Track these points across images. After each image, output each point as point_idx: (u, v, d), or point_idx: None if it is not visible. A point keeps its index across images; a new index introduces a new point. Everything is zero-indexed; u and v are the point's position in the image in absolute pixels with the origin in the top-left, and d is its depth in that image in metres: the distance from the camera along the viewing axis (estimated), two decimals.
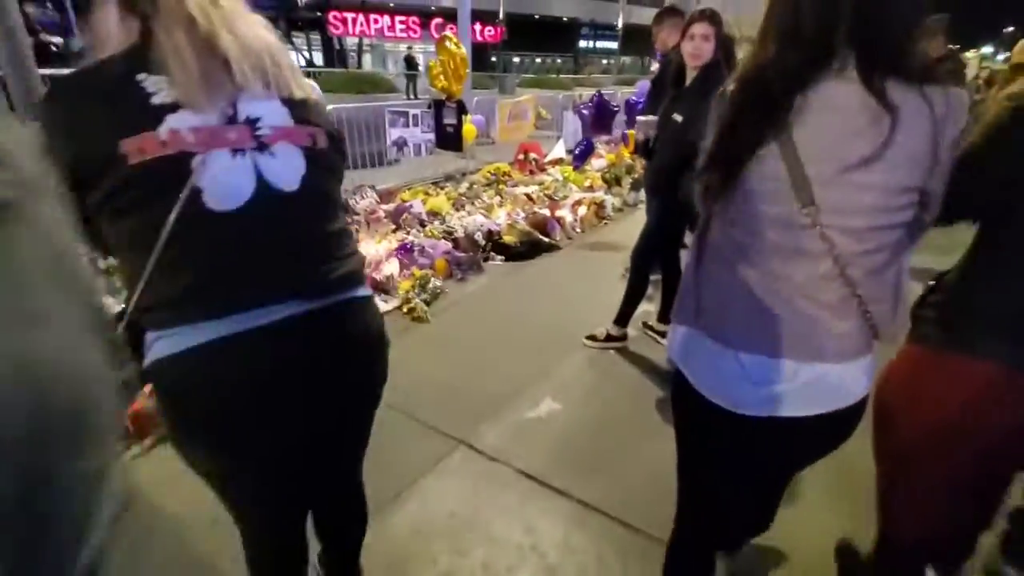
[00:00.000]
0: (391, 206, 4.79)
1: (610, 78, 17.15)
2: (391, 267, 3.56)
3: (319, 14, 23.93)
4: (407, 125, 5.62)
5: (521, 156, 6.76)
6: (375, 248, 3.85)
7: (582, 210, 4.97)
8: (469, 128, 6.00)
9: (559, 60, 32.57)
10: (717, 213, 0.98)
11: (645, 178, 3.08)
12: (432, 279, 3.46)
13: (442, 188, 5.44)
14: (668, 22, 3.41)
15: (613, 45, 34.66)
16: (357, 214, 4.55)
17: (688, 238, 4.37)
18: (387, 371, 1.20)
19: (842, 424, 1.02)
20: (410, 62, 16.26)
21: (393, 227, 4.38)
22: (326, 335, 1.03)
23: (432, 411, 2.38)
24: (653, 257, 2.87)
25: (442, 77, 5.49)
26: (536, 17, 28.93)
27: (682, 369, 1.10)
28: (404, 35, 25.56)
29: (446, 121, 6.04)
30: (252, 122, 0.92)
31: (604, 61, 35.32)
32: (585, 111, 4.72)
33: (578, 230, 4.85)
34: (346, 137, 5.65)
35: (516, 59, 30.18)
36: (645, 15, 32.27)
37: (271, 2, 23.71)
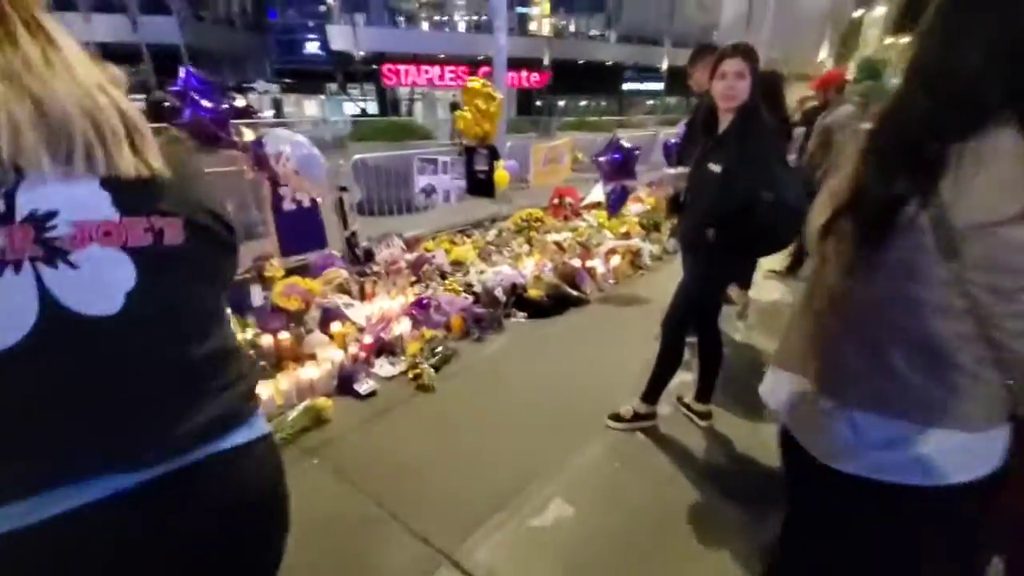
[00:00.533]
0: (414, 255, 4.56)
1: (654, 119, 16.87)
2: (402, 326, 3.27)
3: (374, 67, 25.06)
4: (436, 172, 5.45)
5: (556, 200, 6.47)
6: (389, 303, 3.59)
7: (615, 259, 4.58)
8: (501, 174, 5.77)
9: (603, 103, 32.69)
10: (835, 258, 0.92)
11: (680, 233, 2.69)
12: (444, 341, 3.14)
13: (469, 236, 5.19)
14: (703, 61, 3.06)
15: (658, 86, 34.52)
16: (377, 264, 4.34)
17: (735, 293, 3.92)
18: (285, 532, 0.87)
19: (970, 498, 0.89)
20: (455, 108, 16.60)
21: (413, 279, 4.13)
22: (173, 514, 0.71)
23: (419, 508, 2.01)
24: (687, 322, 2.44)
25: (474, 124, 5.31)
26: (580, 62, 29.28)
27: (785, 421, 1.05)
28: (453, 83, 26.30)
29: (477, 167, 5.84)
30: (40, 219, 0.62)
31: (649, 102, 35.21)
32: (602, 158, 4.38)
33: (611, 281, 4.45)
34: (375, 185, 5.62)
35: (560, 103, 30.51)
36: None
37: (329, 58, 25.14)
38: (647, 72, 33.24)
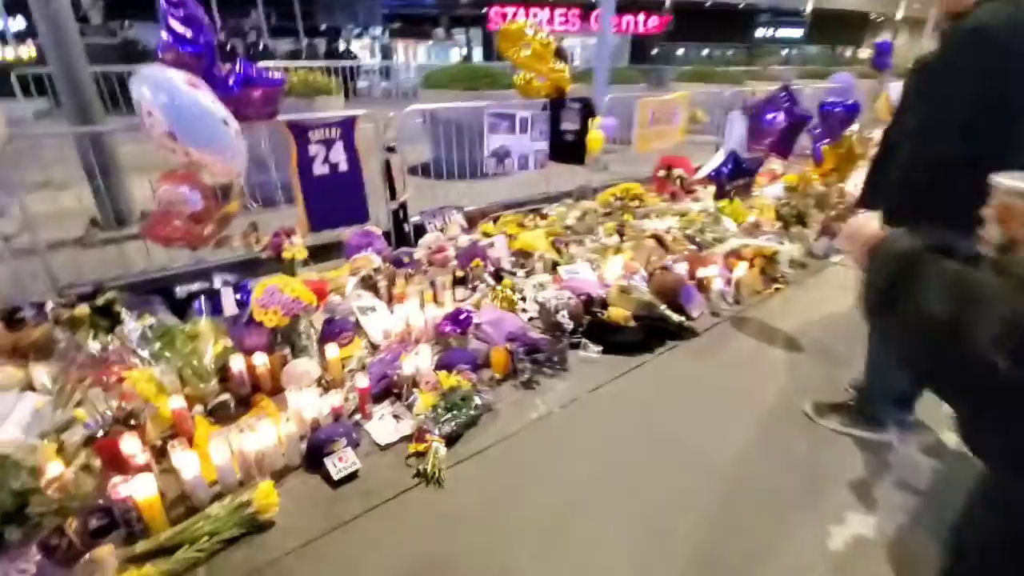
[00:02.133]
0: (467, 239, 3.51)
1: (793, 70, 14.06)
2: (421, 359, 2.26)
3: (482, 10, 23.59)
4: (512, 131, 4.28)
5: (662, 172, 5.06)
6: (417, 315, 2.59)
7: (741, 269, 3.21)
8: (595, 135, 4.48)
9: (729, 51, 28.68)
10: None
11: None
12: (474, 397, 2.08)
13: (544, 217, 4.02)
14: None
15: (796, 33, 29.72)
16: (418, 250, 3.35)
17: None
18: None
19: None
20: (558, 53, 14.79)
21: (459, 274, 3.10)
22: None
23: None
24: None
25: (537, 80, 4.05)
26: (707, 5, 25.61)
27: None
28: (564, 28, 24.18)
29: (564, 126, 4.58)
30: None
31: (784, 52, 30.53)
32: (772, 115, 2.97)
33: (730, 300, 3.11)
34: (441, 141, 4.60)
35: (680, 51, 27.15)
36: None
37: (436, 2, 24.02)
38: (785, 17, 28.64)
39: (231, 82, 2.65)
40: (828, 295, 3.27)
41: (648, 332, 2.67)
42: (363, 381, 2.07)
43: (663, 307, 2.78)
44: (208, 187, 2.98)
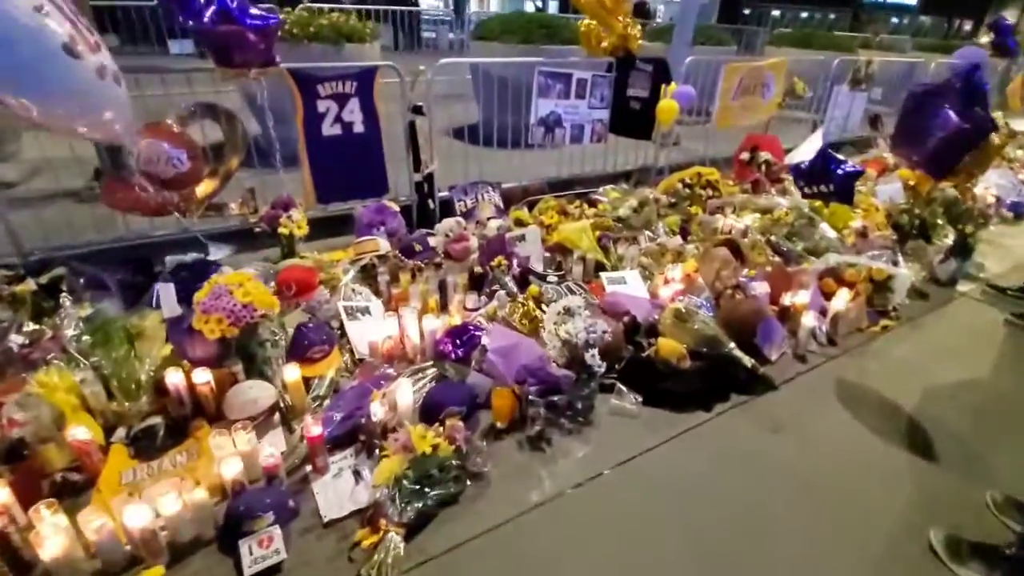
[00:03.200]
0: (498, 223, 2.88)
1: (905, 40, 11.98)
2: (400, 396, 1.71)
3: None
4: (566, 95, 3.52)
5: (745, 155, 4.17)
6: (413, 326, 2.03)
7: (842, 298, 2.40)
8: (667, 105, 3.65)
9: (832, 15, 25.35)
10: None
11: None
12: (454, 458, 1.51)
13: (594, 205, 3.30)
14: None
15: (910, 1, 26.03)
16: (434, 235, 2.75)
17: None
18: None
19: None
20: (640, 8, 13.07)
21: (477, 270, 2.49)
22: None
23: None
24: None
25: (602, 31, 3.27)
26: None
27: None
28: None
29: (632, 91, 3.77)
30: None
31: (894, 20, 26.76)
32: (937, 108, 2.10)
33: (822, 340, 2.34)
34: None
35: (775, 12, 24.27)
36: None
37: None
38: None
39: (206, 16, 2.10)
40: (956, 342, 2.43)
41: (706, 378, 1.99)
42: (316, 428, 1.54)
43: (732, 346, 2.07)
44: (195, 144, 2.50)
